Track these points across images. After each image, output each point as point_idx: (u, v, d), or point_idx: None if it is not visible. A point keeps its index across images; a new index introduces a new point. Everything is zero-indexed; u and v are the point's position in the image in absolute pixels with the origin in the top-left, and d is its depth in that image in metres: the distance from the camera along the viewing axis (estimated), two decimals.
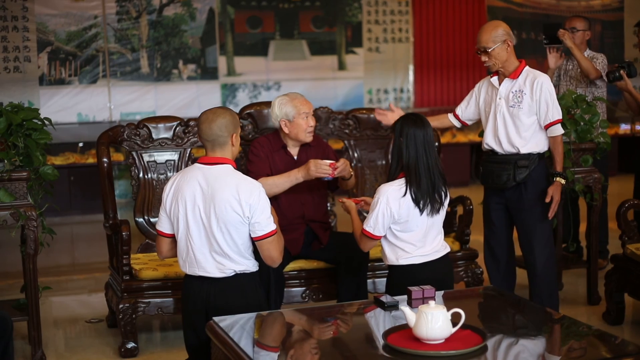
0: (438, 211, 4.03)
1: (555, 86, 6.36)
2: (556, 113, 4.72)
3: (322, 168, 4.58)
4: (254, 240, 3.86)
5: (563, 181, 4.75)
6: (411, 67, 11.85)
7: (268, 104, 5.44)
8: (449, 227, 5.27)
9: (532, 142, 4.74)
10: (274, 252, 3.88)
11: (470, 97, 5.02)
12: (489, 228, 5.00)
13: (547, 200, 4.70)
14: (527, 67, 4.76)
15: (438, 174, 4.01)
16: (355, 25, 11.58)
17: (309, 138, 4.80)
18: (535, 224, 4.79)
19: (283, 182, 4.65)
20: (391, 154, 4.19)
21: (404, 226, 4.00)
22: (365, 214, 4.30)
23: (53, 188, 5.00)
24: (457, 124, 5.10)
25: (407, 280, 3.93)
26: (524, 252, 4.90)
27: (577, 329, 3.58)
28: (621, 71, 6.05)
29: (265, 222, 3.81)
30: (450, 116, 5.10)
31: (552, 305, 4.73)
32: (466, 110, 5.03)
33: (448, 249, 4.18)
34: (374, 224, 4.01)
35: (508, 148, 4.76)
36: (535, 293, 4.85)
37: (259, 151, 4.80)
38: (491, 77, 4.84)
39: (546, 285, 4.84)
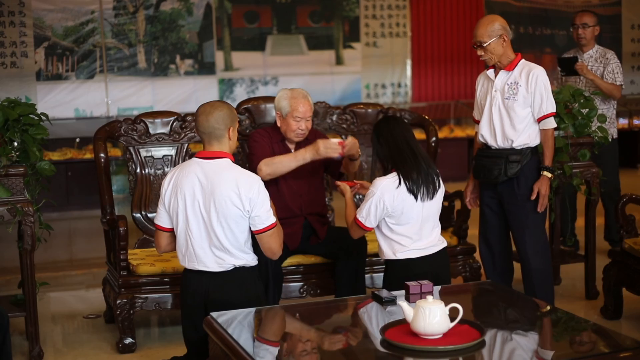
0: (433, 196, 4.04)
1: None
2: (550, 106, 4.71)
3: (332, 147, 4.56)
4: (254, 234, 3.86)
5: (550, 175, 4.75)
6: (409, 62, 11.83)
7: (265, 98, 5.44)
8: (447, 222, 5.27)
9: (525, 134, 4.73)
10: (274, 245, 3.89)
11: (476, 97, 4.99)
12: (483, 222, 5.00)
13: (533, 197, 4.70)
14: (522, 60, 4.76)
15: (425, 157, 4.04)
16: (352, 20, 11.56)
17: (296, 139, 4.78)
18: (528, 218, 4.78)
19: (289, 161, 4.63)
20: (374, 160, 4.17)
21: (399, 219, 4.01)
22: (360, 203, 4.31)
23: (50, 183, 4.99)
24: None
25: (405, 274, 3.93)
26: (517, 246, 4.89)
27: (575, 323, 3.57)
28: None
29: (265, 215, 3.82)
30: (477, 128, 4.97)
31: (547, 300, 4.73)
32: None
33: (445, 243, 4.19)
34: (366, 215, 4.03)
35: (502, 142, 4.75)
36: (529, 288, 4.84)
37: (260, 138, 4.78)
38: (487, 69, 4.84)
39: (540, 280, 4.83)
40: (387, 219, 4.03)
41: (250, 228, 3.85)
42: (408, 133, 4.07)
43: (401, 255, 4.05)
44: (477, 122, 4.94)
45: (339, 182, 4.39)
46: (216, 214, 3.77)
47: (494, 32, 4.67)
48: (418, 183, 3.99)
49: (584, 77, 6.16)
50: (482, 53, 4.72)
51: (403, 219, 4.02)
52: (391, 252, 4.08)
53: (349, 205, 4.24)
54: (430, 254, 4.08)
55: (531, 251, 4.80)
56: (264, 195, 3.83)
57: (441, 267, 4.15)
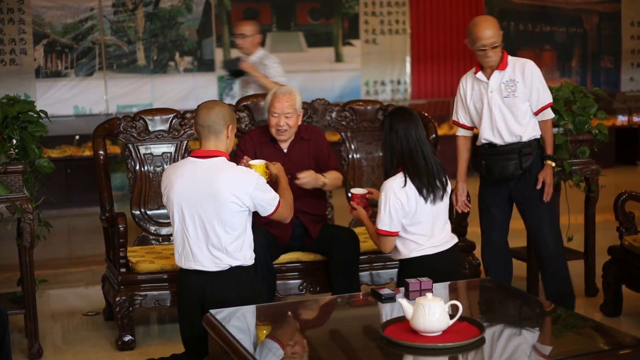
0: (442, 198, 4.04)
1: None
2: (547, 97, 4.76)
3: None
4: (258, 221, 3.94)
5: (553, 164, 4.77)
6: (408, 59, 11.82)
7: (264, 96, 5.43)
8: None
9: (530, 127, 4.76)
10: (285, 215, 4.05)
11: (459, 101, 4.96)
12: (489, 220, 4.97)
13: (539, 186, 4.72)
14: (509, 56, 4.78)
15: (435, 162, 4.01)
16: (352, 17, 11.55)
17: (278, 136, 4.76)
18: (543, 208, 4.80)
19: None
20: (384, 151, 4.15)
21: (413, 218, 4.00)
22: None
23: (49, 181, 4.99)
24: (468, 133, 4.98)
25: (419, 271, 3.90)
26: (534, 239, 4.90)
27: (574, 320, 3.58)
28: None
29: (270, 200, 3.89)
30: (460, 132, 4.96)
31: (568, 287, 4.82)
32: (466, 114, 4.93)
33: (456, 239, 4.20)
34: (389, 221, 4.00)
35: (509, 138, 4.76)
36: (550, 280, 4.85)
37: (245, 146, 4.79)
38: (475, 72, 4.84)
39: (560, 268, 4.86)
40: (402, 220, 4.02)
41: (246, 225, 3.87)
42: (422, 133, 4.02)
43: (416, 253, 4.05)
44: (463, 127, 4.94)
45: (353, 209, 4.33)
46: (213, 212, 3.78)
47: (501, 33, 4.72)
48: (427, 187, 3.98)
49: (251, 75, 6.39)
50: (493, 54, 4.70)
51: (416, 218, 4.01)
52: (407, 252, 4.07)
53: (369, 228, 4.20)
54: (443, 250, 4.09)
55: (550, 241, 4.82)
56: (263, 184, 3.87)
57: (454, 263, 4.17)
